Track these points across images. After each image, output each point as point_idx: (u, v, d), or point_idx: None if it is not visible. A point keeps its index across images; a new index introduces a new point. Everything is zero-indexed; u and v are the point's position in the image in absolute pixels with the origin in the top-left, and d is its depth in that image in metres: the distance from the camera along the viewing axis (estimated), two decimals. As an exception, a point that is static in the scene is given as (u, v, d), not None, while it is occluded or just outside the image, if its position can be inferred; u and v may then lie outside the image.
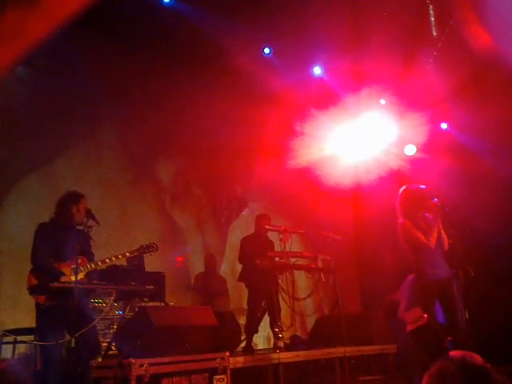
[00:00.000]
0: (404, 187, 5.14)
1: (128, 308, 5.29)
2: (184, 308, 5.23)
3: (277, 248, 6.77)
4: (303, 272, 6.90)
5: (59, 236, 4.61)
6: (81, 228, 4.62)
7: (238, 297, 7.79)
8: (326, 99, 8.59)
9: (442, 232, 4.98)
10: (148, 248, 4.94)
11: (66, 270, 4.50)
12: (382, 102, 8.43)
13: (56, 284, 4.29)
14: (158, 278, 6.00)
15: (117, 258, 4.67)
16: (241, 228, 8.49)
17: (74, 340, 4.17)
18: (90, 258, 4.74)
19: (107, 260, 4.65)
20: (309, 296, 6.95)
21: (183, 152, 8.48)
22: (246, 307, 6.87)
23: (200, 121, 8.66)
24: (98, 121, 7.54)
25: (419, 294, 4.76)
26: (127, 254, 4.80)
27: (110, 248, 6.43)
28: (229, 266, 8.40)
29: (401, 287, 5.09)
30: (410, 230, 4.90)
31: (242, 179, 9.18)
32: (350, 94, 8.23)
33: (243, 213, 8.99)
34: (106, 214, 6.77)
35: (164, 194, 8.15)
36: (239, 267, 6.94)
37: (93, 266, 4.62)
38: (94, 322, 4.57)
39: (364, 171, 8.32)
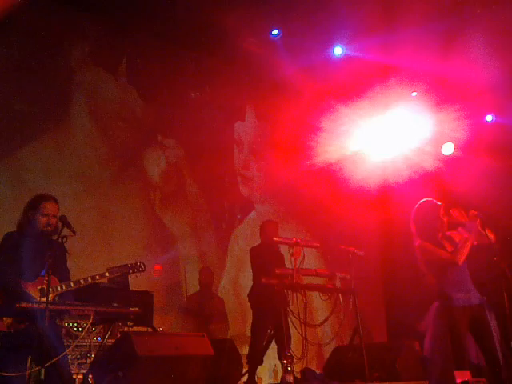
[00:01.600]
0: (418, 204, 5.09)
1: (108, 333, 5.16)
2: (175, 335, 5.16)
3: (287, 263, 6.67)
4: (318, 293, 6.74)
5: (26, 248, 4.48)
6: (55, 238, 4.48)
7: (242, 320, 7.65)
8: (349, 89, 8.51)
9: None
10: (133, 268, 4.79)
11: (32, 290, 4.38)
12: (414, 93, 8.34)
13: (24, 304, 4.17)
14: (144, 299, 5.94)
15: (94, 279, 4.53)
16: (245, 236, 8.41)
17: (43, 371, 4.01)
18: (65, 275, 4.62)
19: (82, 281, 4.50)
20: (324, 322, 6.77)
21: (178, 143, 8.38)
22: (249, 334, 6.80)
23: (201, 110, 8.59)
24: (72, 102, 7.41)
25: (446, 325, 4.60)
26: (106, 275, 4.66)
27: (86, 259, 6.40)
28: (230, 282, 8.31)
29: (426, 316, 4.94)
30: (430, 250, 4.83)
31: (249, 178, 9.08)
32: (377, 83, 8.16)
33: (249, 217, 8.89)
34: (82, 218, 6.76)
35: (153, 192, 8.02)
36: (243, 283, 6.88)
37: (64, 287, 4.47)
38: (69, 350, 4.47)
39: (393, 173, 8.31)
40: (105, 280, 5.04)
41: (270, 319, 6.52)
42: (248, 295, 6.87)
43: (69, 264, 4.72)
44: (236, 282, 8.08)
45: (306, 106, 8.79)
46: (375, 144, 8.42)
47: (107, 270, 4.82)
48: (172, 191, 8.18)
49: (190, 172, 8.42)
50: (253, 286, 6.83)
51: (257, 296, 6.60)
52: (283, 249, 6.93)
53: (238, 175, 8.97)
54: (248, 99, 8.62)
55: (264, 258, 6.70)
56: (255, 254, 6.90)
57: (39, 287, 4.33)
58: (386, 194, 9.17)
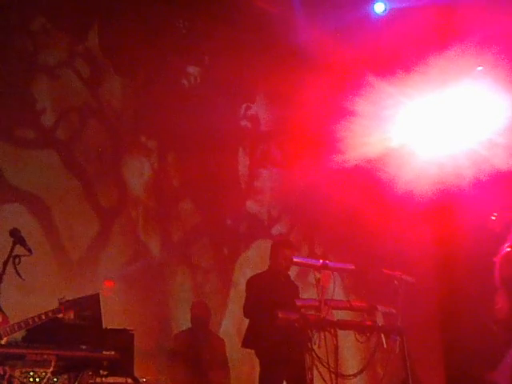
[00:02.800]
0: None
1: (75, 387, 5.25)
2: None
3: (311, 294, 6.71)
4: (352, 333, 6.82)
5: None
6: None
7: (248, 369, 7.73)
8: (394, 60, 8.54)
9: None
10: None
11: None
12: (480, 68, 8.39)
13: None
14: (122, 339, 5.98)
15: (47, 316, 4.74)
16: (254, 264, 8.39)
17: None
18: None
19: (32, 320, 4.69)
20: (362, 371, 6.83)
21: (166, 145, 8.48)
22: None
23: (197, 93, 8.68)
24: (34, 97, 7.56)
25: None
26: (42, 317, 4.80)
27: (43, 292, 6.57)
28: (234, 324, 8.38)
29: (501, 364, 5.00)
30: None
31: (258, 190, 9.19)
32: (431, 53, 8.20)
33: (258, 240, 8.97)
34: (40, 239, 6.91)
35: (135, 210, 8.13)
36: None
37: (16, 328, 4.63)
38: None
39: (453, 173, 8.29)
40: (62, 315, 5.12)
41: (286, 368, 6.58)
42: (243, 340, 6.91)
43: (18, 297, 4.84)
44: (241, 323, 8.16)
45: (334, 83, 8.85)
46: (429, 134, 8.45)
47: (60, 303, 4.97)
48: (159, 208, 8.29)
49: (183, 183, 8.54)
50: (250, 327, 6.87)
51: (262, 337, 6.63)
52: (302, 278, 7.05)
53: (243, 186, 9.12)
54: (259, 75, 8.70)
55: (273, 288, 6.78)
56: (255, 283, 6.96)
57: None
58: (444, 202, 9.19)
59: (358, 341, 6.65)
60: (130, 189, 8.21)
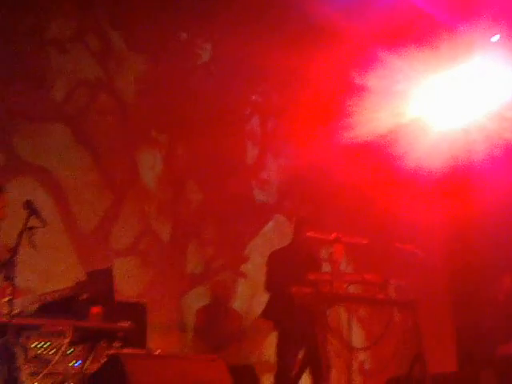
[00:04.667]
0: None
1: (91, 357, 5.25)
2: (180, 358, 5.20)
3: (324, 268, 6.73)
4: (364, 307, 6.81)
5: None
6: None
7: (267, 341, 7.72)
8: (404, 34, 8.44)
9: None
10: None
11: None
12: (495, 38, 8.29)
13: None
14: (135, 312, 6.00)
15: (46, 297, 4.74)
16: (262, 252, 8.34)
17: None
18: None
19: (37, 299, 4.72)
20: (374, 344, 6.85)
21: (176, 138, 8.51)
22: (273, 360, 6.88)
23: (202, 70, 8.64)
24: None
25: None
26: (57, 295, 4.83)
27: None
28: (244, 304, 8.47)
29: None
30: None
31: (265, 181, 9.19)
32: (443, 28, 8.13)
33: (266, 228, 9.03)
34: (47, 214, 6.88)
35: (149, 202, 8.17)
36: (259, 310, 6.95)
37: (27, 301, 4.66)
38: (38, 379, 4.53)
39: (465, 148, 8.27)
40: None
41: (301, 341, 6.62)
42: (264, 312, 6.97)
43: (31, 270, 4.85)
44: (250, 310, 8.24)
45: (345, 58, 8.77)
46: (441, 108, 8.38)
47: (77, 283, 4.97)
48: (171, 200, 8.35)
49: (193, 175, 8.62)
50: (271, 300, 6.91)
51: (280, 311, 6.65)
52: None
53: (251, 178, 9.14)
54: (269, 51, 8.64)
55: (291, 263, 6.77)
56: (274, 259, 7.00)
57: (4, 299, 4.42)
58: (456, 177, 9.12)
59: (371, 315, 6.68)
60: (143, 183, 8.24)
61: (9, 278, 4.30)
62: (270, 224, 9.09)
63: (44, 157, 7.40)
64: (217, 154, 8.54)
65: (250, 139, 9.25)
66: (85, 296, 5.77)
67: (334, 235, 6.39)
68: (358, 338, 7.78)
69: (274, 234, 8.66)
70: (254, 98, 9.32)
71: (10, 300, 4.33)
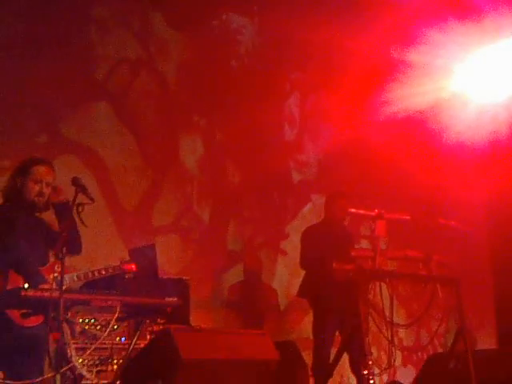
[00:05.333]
0: None
1: (138, 333, 5.30)
2: (228, 332, 5.25)
3: (363, 245, 6.73)
4: (406, 283, 6.79)
5: (21, 226, 4.68)
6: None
7: (302, 317, 7.73)
8: (446, 8, 8.36)
9: None
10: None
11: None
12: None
13: (32, 292, 4.31)
14: (178, 288, 6.04)
15: (93, 275, 4.77)
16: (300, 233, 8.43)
17: (59, 378, 4.18)
18: (76, 248, 4.85)
19: (82, 276, 4.74)
20: (417, 320, 6.81)
21: (216, 122, 8.52)
22: (311, 337, 6.93)
23: (243, 48, 8.62)
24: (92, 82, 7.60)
25: None
26: (102, 273, 4.84)
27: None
28: (283, 281, 8.49)
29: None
30: None
31: (304, 163, 9.19)
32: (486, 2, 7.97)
33: (304, 210, 9.04)
34: (101, 213, 7.06)
35: (190, 185, 8.22)
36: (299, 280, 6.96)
37: (74, 277, 4.70)
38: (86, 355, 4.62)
39: (506, 122, 8.17)
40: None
41: (339, 318, 6.65)
42: (299, 290, 7.00)
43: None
44: (288, 291, 8.25)
45: (386, 32, 8.69)
46: (482, 82, 8.25)
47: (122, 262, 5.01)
48: (211, 182, 8.42)
49: (232, 158, 8.65)
50: (306, 277, 6.95)
51: (317, 288, 6.70)
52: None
53: (289, 160, 9.14)
54: (309, 28, 8.57)
55: (328, 239, 6.79)
56: (310, 235, 7.01)
57: (52, 275, 4.47)
58: (498, 152, 9.04)
59: (414, 291, 6.64)
60: (185, 166, 8.27)
61: (58, 255, 4.34)
62: (309, 205, 9.08)
63: (87, 136, 7.45)
64: (255, 134, 8.56)
65: (288, 118, 9.22)
66: (131, 274, 5.89)
67: (376, 211, 6.33)
68: (398, 315, 7.75)
69: (312, 215, 8.60)
70: (293, 76, 9.25)
71: (58, 276, 4.37)
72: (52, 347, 4.29)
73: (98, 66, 7.68)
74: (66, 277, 4.58)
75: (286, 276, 8.47)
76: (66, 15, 7.38)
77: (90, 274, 4.76)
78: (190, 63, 8.35)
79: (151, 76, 8.11)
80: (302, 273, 7.06)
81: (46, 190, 4.73)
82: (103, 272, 4.80)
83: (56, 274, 4.45)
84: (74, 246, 4.71)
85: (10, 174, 4.84)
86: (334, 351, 6.64)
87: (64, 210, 4.66)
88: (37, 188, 4.69)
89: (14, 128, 6.91)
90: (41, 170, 4.74)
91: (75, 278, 4.72)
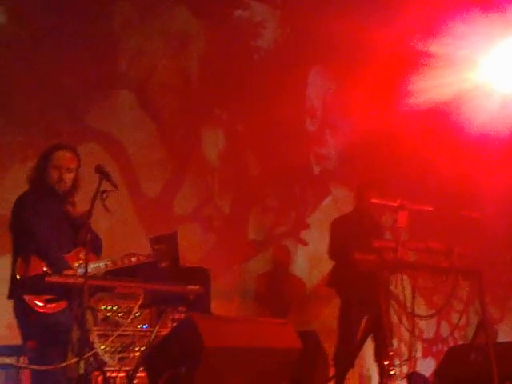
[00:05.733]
0: None
1: (160, 320, 5.33)
2: (251, 321, 5.27)
3: (386, 235, 6.70)
4: (427, 274, 6.77)
5: (46, 212, 4.69)
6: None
7: (330, 307, 7.72)
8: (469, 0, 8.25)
9: None
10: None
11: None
12: None
13: (56, 278, 4.34)
14: (199, 277, 6.02)
15: (136, 258, 4.77)
16: (320, 225, 8.42)
17: (82, 364, 4.21)
18: (97, 249, 4.82)
19: (118, 261, 4.73)
20: (439, 312, 6.80)
21: (238, 115, 8.50)
22: (335, 327, 6.92)
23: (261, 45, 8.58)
24: (117, 75, 7.64)
25: None
26: (142, 258, 4.86)
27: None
28: (304, 271, 8.47)
29: None
30: None
31: (324, 156, 9.16)
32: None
33: (324, 203, 9.02)
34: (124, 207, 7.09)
35: (211, 177, 8.23)
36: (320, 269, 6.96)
37: (101, 265, 4.67)
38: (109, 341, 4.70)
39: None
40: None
41: (365, 308, 6.61)
42: (328, 280, 7.03)
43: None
44: (310, 277, 8.28)
45: (408, 23, 8.63)
46: (506, 73, 8.21)
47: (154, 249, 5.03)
48: (232, 174, 8.42)
49: (253, 150, 8.64)
50: (335, 267, 6.93)
51: (344, 278, 6.68)
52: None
53: (310, 153, 9.13)
54: (329, 21, 8.54)
55: (355, 230, 6.78)
56: (338, 226, 7.00)
57: (77, 263, 4.49)
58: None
59: (435, 283, 6.61)
60: (206, 159, 8.26)
61: (83, 242, 4.36)
62: (329, 198, 9.08)
63: (110, 125, 7.47)
64: (276, 127, 8.54)
65: (309, 111, 9.20)
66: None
67: (398, 202, 6.30)
68: (418, 306, 7.74)
69: (333, 208, 8.59)
70: (315, 68, 9.22)
71: (82, 264, 4.39)
72: (75, 333, 4.33)
73: (121, 58, 7.68)
74: (92, 264, 4.60)
75: (306, 266, 8.46)
76: (91, 8, 7.39)
77: (119, 262, 4.74)
78: (212, 56, 8.33)
79: (173, 68, 8.11)
80: (322, 263, 7.06)
81: (67, 176, 4.73)
82: (133, 259, 4.79)
83: (81, 262, 4.49)
84: (94, 247, 4.70)
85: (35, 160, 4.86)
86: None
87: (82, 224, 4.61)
88: (57, 174, 4.69)
89: (36, 117, 6.93)
90: (61, 155, 4.74)
91: (102, 265, 4.70)
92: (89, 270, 4.40)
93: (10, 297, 4.58)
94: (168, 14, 8.07)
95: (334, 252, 6.88)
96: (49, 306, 4.46)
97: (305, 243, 8.57)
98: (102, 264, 4.67)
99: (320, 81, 9.31)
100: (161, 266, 5.02)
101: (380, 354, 6.40)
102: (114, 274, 4.80)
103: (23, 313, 4.52)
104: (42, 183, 4.73)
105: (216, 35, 8.40)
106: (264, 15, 8.82)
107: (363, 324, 6.73)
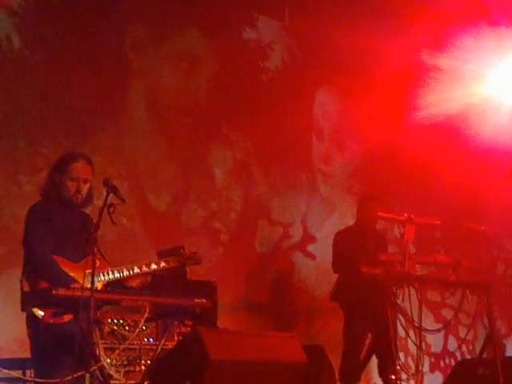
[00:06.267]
0: None
1: (167, 334, 5.30)
2: (257, 335, 5.22)
3: (392, 249, 6.68)
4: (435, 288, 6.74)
5: (58, 222, 4.68)
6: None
7: (334, 321, 7.71)
8: (476, 12, 8.29)
9: None
10: (189, 259, 4.99)
11: (76, 273, 4.57)
12: None
13: (62, 291, 4.32)
14: (206, 290, 6.02)
15: (157, 265, 4.79)
16: (327, 239, 8.19)
17: (88, 377, 4.20)
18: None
19: (136, 269, 4.72)
20: (446, 326, 6.76)
21: (245, 134, 8.55)
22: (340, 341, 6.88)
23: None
24: (128, 97, 7.72)
25: None
26: (162, 265, 4.86)
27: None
28: (311, 285, 8.42)
29: None
30: None
31: (330, 175, 9.16)
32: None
33: (332, 216, 9.02)
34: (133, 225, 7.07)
35: (218, 193, 8.29)
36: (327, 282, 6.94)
37: (116, 274, 4.67)
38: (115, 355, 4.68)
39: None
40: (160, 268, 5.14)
41: (369, 322, 6.61)
42: (331, 294, 6.97)
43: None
44: (317, 291, 8.29)
45: (416, 37, 8.65)
46: (512, 88, 8.22)
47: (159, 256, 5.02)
48: (240, 189, 8.45)
49: (260, 170, 8.67)
50: (338, 281, 6.92)
51: (348, 292, 6.67)
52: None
53: (316, 172, 9.15)
54: (337, 34, 8.56)
55: (359, 243, 6.75)
56: (342, 238, 6.97)
57: (87, 271, 4.47)
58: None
59: (443, 297, 6.59)
60: (211, 150, 8.29)
61: (91, 253, 4.35)
62: (336, 212, 9.08)
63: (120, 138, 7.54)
64: (283, 144, 8.59)
65: (316, 129, 9.21)
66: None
67: (406, 215, 6.29)
68: (426, 320, 7.71)
69: (340, 223, 8.57)
70: (322, 89, 9.25)
71: (91, 274, 4.37)
72: (81, 346, 4.31)
73: (131, 78, 7.78)
74: (100, 274, 4.58)
75: (313, 280, 8.44)
76: (105, 31, 7.52)
77: (122, 271, 4.71)
78: (221, 77, 8.38)
79: (183, 88, 8.17)
80: (329, 277, 7.03)
81: (84, 187, 4.71)
82: (145, 268, 4.78)
83: (88, 272, 4.44)
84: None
85: (48, 170, 4.82)
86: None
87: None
88: (74, 186, 4.67)
89: (49, 137, 6.99)
90: (78, 167, 4.70)
91: (107, 276, 4.69)
92: (100, 280, 4.45)
93: (22, 309, 4.57)
94: (179, 35, 8.15)
95: (337, 265, 6.85)
96: (56, 318, 4.45)
97: (312, 257, 8.55)
98: (135, 269, 4.69)
99: (327, 100, 9.32)
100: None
101: (384, 369, 6.37)
102: (119, 287, 4.80)
103: (31, 325, 4.52)
104: (58, 194, 4.70)
105: (225, 56, 8.45)
106: (272, 37, 8.86)
107: (369, 338, 6.71)
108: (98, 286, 4.52)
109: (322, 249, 7.99)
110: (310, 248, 8.68)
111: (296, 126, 8.68)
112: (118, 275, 4.68)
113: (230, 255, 7.96)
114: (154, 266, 4.79)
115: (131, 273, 4.71)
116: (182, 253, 4.99)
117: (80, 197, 4.72)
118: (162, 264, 4.86)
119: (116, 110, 7.56)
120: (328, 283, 7.32)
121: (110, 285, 4.67)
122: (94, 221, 4.51)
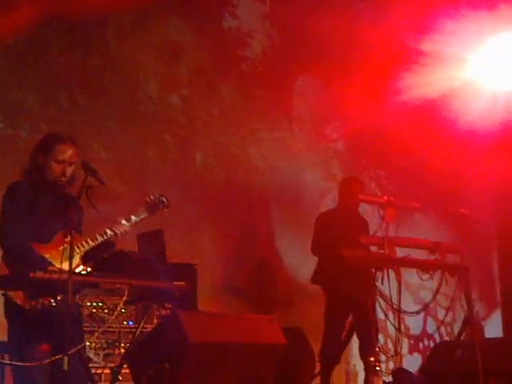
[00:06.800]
0: None
1: (146, 316, 5.28)
2: (236, 317, 5.22)
3: (373, 231, 6.65)
4: (414, 271, 6.76)
5: (39, 203, 4.59)
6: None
7: (315, 304, 7.74)
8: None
9: None
10: (157, 204, 4.81)
11: (50, 254, 4.46)
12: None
13: (40, 274, 4.27)
14: (186, 274, 6.01)
15: (128, 221, 4.64)
16: (311, 223, 8.29)
17: (66, 360, 4.14)
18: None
19: (108, 231, 4.56)
20: (425, 308, 6.78)
21: (223, 119, 8.48)
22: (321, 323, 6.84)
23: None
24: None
25: None
26: (133, 218, 4.70)
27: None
28: (292, 268, 8.39)
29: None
30: None
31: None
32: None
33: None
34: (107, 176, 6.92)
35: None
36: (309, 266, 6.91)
37: (91, 242, 4.54)
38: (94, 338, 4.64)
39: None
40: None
41: (350, 305, 6.61)
42: (312, 277, 6.95)
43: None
44: (298, 274, 8.27)
45: (398, 21, 8.63)
46: (495, 70, 8.22)
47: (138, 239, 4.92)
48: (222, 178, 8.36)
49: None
50: (319, 264, 6.90)
51: (329, 274, 6.65)
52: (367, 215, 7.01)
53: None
54: (320, 19, 8.53)
55: (340, 225, 6.74)
56: (322, 221, 6.95)
57: (60, 247, 4.41)
58: (510, 140, 8.98)
59: (422, 279, 6.60)
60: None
61: (67, 237, 4.30)
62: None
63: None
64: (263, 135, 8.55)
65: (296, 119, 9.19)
66: (136, 255, 5.87)
67: (386, 198, 6.30)
68: (405, 302, 7.76)
69: (325, 206, 8.56)
70: (301, 78, 9.21)
71: (67, 247, 4.29)
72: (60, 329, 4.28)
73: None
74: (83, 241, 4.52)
75: (295, 263, 8.44)
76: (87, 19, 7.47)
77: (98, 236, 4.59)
78: (202, 66, 8.33)
79: (164, 79, 8.14)
80: (312, 260, 7.02)
81: (69, 169, 4.61)
82: (108, 232, 4.61)
83: (65, 246, 4.36)
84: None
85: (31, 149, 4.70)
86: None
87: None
88: (60, 168, 4.57)
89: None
90: (64, 149, 4.59)
91: (85, 242, 4.57)
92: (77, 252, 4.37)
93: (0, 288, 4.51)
94: (161, 24, 8.09)
95: (317, 248, 6.82)
96: (33, 301, 4.41)
97: (293, 240, 8.55)
98: (108, 231, 4.56)
99: (307, 89, 9.27)
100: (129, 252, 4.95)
101: (365, 351, 6.37)
102: (99, 270, 4.75)
103: (7, 308, 4.47)
104: (42, 176, 4.59)
105: (206, 46, 8.37)
106: (252, 25, 8.78)
107: (349, 320, 6.71)
108: (77, 259, 4.42)
109: (306, 232, 7.96)
110: (294, 231, 8.66)
111: (276, 116, 8.67)
112: (93, 243, 4.54)
113: (213, 239, 7.95)
114: (124, 222, 4.63)
115: (105, 237, 4.58)
116: (147, 201, 4.82)
117: (64, 179, 4.63)
118: (133, 218, 4.70)
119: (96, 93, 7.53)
120: (310, 267, 7.31)
121: (89, 255, 4.57)
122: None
